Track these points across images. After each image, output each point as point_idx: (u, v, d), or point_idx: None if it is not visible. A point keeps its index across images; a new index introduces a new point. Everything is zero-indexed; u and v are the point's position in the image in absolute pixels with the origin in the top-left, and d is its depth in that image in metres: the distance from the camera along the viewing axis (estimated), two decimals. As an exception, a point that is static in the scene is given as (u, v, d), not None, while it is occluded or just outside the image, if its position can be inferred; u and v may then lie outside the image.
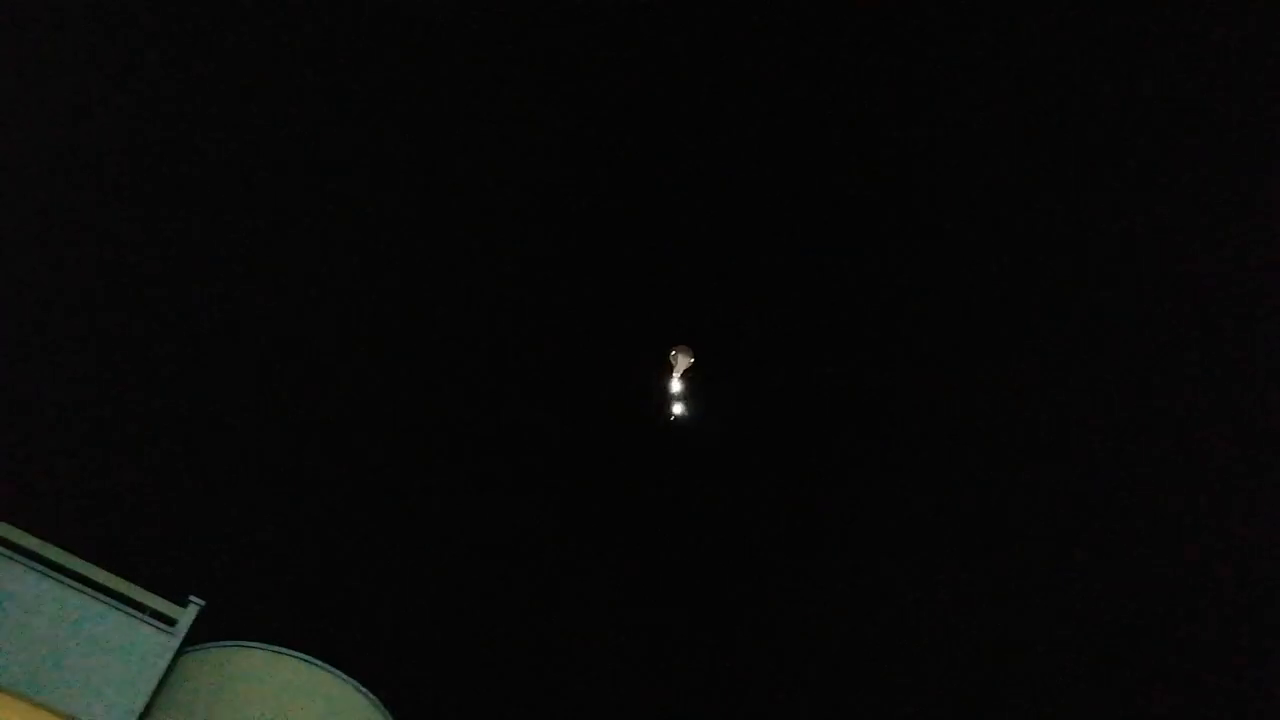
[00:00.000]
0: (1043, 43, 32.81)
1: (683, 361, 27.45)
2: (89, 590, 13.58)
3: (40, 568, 13.38)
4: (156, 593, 14.13)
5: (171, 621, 14.07)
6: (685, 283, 38.22)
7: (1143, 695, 30.45)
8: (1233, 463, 29.49)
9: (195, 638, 14.35)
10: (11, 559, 13.26)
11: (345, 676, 15.12)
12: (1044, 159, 33.29)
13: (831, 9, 34.69)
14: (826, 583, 38.12)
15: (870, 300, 37.35)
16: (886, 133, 35.98)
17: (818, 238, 37.25)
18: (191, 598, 14.39)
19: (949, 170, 35.18)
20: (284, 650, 14.83)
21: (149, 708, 13.32)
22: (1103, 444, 32.32)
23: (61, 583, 13.44)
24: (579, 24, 35.01)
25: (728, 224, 37.59)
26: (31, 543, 13.39)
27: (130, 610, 13.79)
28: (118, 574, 13.92)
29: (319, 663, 14.95)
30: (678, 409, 28.27)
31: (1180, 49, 30.41)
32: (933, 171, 35.52)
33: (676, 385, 27.40)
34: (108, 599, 13.70)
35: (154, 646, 13.67)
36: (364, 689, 15.22)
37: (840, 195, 36.85)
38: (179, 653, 14.02)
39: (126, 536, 28.20)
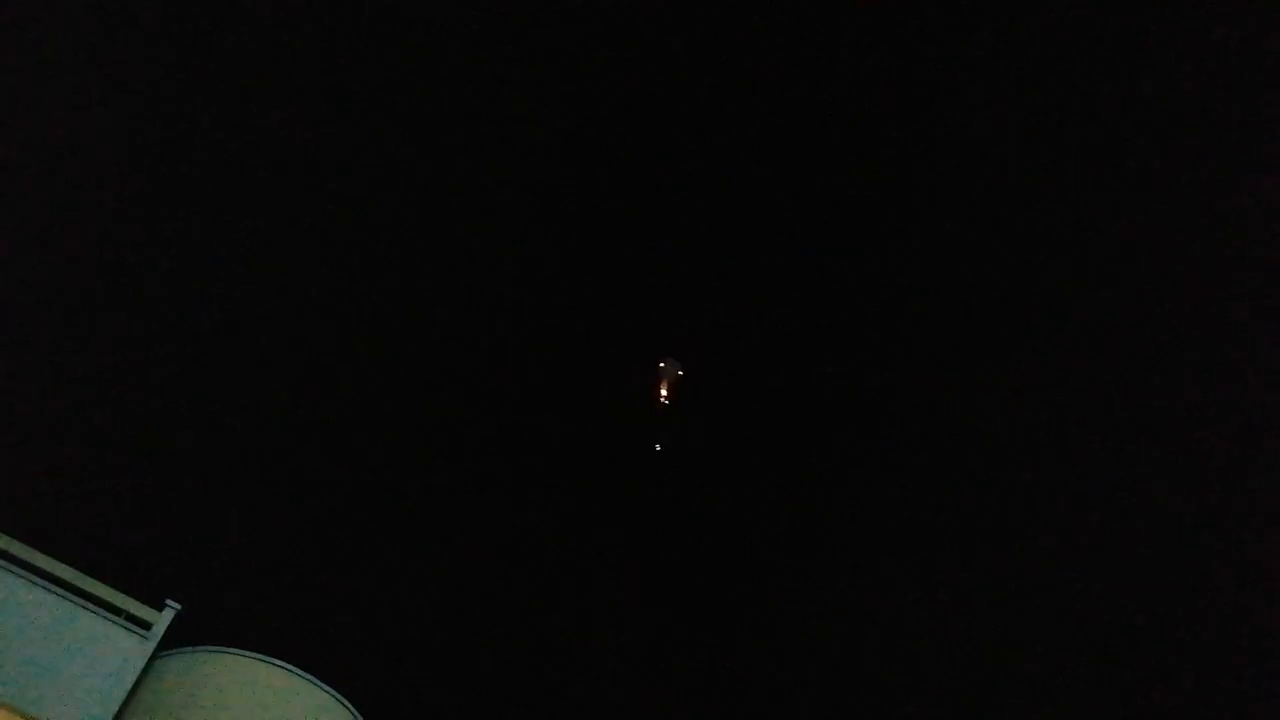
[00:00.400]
0: (1043, 43, 32.77)
1: (669, 374, 27.37)
2: (63, 592, 13.45)
3: (12, 568, 13.27)
4: (132, 595, 14.05)
5: (147, 625, 13.94)
6: (685, 282, 38.27)
7: (1143, 695, 30.32)
8: (1233, 463, 29.36)
9: (171, 642, 14.24)
10: (-18, 559, 13.26)
11: (323, 684, 15.02)
12: (1044, 159, 33.24)
13: (831, 9, 34.70)
14: (826, 583, 38.07)
15: (870, 300, 37.33)
16: (886, 133, 35.98)
17: (817, 238, 37.25)
18: (168, 601, 14.22)
19: (949, 170, 35.17)
20: (262, 656, 14.71)
21: (122, 712, 13.25)
22: (1103, 444, 32.21)
23: (34, 584, 13.33)
24: (579, 24, 35.08)
25: (727, 224, 37.63)
26: (3, 542, 13.34)
27: (105, 613, 13.67)
28: (92, 576, 13.85)
29: (297, 670, 14.84)
30: (664, 427, 28.20)
31: (1180, 49, 30.32)
32: (933, 171, 35.53)
33: (663, 395, 27.37)
34: (82, 601, 13.56)
35: (128, 650, 13.57)
36: (342, 697, 15.15)
37: (840, 195, 36.86)
38: (154, 657, 13.88)
39: (102, 537, 28.22)
